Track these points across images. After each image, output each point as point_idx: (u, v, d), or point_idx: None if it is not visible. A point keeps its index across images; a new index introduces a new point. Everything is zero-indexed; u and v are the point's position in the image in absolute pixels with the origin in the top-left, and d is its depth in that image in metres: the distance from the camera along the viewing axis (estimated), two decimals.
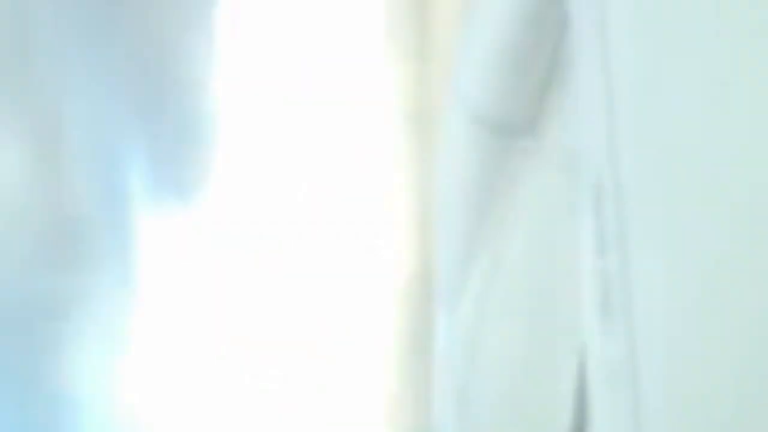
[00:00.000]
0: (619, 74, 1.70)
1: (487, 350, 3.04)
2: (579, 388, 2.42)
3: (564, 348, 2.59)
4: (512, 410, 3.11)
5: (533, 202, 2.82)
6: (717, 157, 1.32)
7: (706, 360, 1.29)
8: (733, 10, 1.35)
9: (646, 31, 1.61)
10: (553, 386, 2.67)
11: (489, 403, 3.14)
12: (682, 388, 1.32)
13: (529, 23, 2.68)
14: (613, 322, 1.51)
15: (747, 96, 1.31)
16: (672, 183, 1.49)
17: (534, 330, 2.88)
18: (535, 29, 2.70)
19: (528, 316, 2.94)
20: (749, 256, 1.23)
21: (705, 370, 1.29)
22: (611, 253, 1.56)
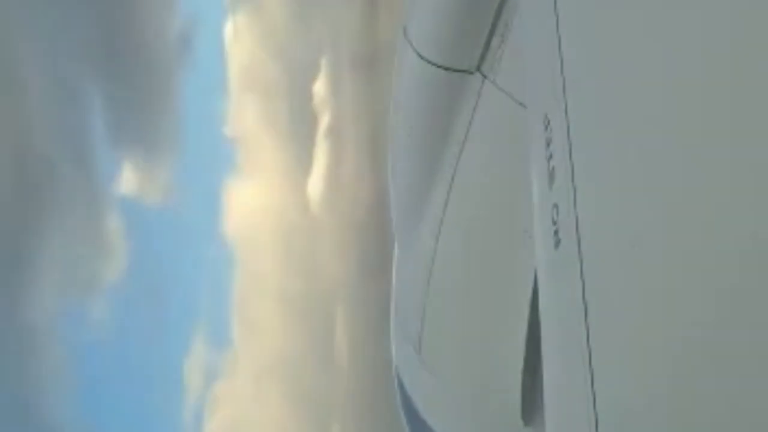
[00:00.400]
0: (566, 18, 1.78)
1: (444, 272, 3.16)
2: (532, 314, 2.54)
3: (516, 273, 2.72)
4: (467, 327, 3.24)
5: (487, 132, 2.94)
6: (656, 98, 1.43)
7: (649, 283, 1.38)
8: None
9: None
10: (507, 306, 2.80)
11: (445, 321, 3.27)
12: (623, 300, 1.42)
13: None
14: (563, 250, 1.60)
15: (679, 38, 1.42)
16: (612, 119, 1.58)
17: (488, 252, 3.02)
18: None
19: (482, 240, 3.06)
20: (676, 181, 1.34)
21: (648, 293, 1.38)
22: (560, 183, 1.65)
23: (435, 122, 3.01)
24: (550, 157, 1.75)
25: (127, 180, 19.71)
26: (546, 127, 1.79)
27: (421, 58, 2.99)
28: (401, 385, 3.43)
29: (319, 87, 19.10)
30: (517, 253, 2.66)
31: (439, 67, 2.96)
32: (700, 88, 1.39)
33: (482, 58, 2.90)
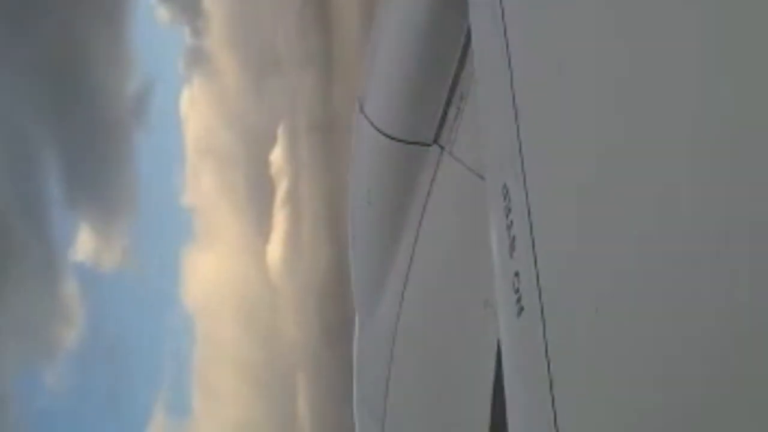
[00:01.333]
0: (522, 88, 1.78)
1: (406, 346, 3.14)
2: (496, 379, 2.53)
3: (478, 345, 2.71)
4: (431, 400, 3.21)
5: (445, 202, 2.95)
6: (615, 163, 1.43)
7: (614, 349, 1.37)
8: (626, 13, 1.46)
9: (544, 40, 1.71)
10: (470, 378, 2.78)
11: (409, 395, 3.24)
12: (588, 368, 1.41)
13: (427, 48, 2.80)
14: (526, 318, 1.59)
15: (637, 101, 1.42)
16: (571, 186, 1.58)
17: (449, 324, 3.01)
18: (433, 53, 2.83)
19: (444, 312, 3.05)
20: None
21: (613, 358, 1.37)
22: (521, 252, 1.65)
23: (394, 194, 3.01)
24: (510, 225, 1.75)
25: (84, 244, 19.50)
26: (505, 197, 1.80)
27: (378, 131, 3.00)
28: None
29: (276, 155, 19.19)
30: (478, 324, 2.66)
31: (396, 140, 2.98)
32: (660, 151, 1.40)
33: (439, 129, 2.91)
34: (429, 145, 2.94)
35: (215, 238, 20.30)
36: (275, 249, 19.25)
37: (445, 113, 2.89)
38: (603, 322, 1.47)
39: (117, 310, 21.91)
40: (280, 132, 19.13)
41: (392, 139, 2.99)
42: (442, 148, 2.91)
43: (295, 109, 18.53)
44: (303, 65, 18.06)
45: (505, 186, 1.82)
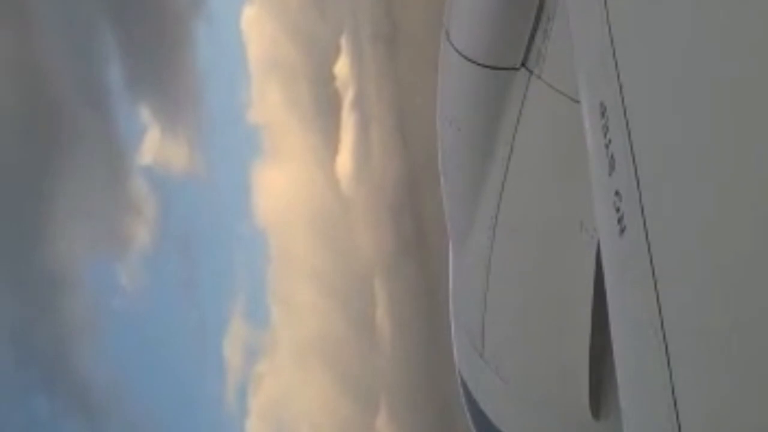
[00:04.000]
0: (615, 9, 1.75)
1: (502, 271, 3.15)
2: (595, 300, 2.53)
3: (575, 266, 2.72)
4: (529, 324, 3.23)
5: (535, 127, 2.93)
6: (707, 74, 1.40)
7: (715, 258, 1.36)
8: None
9: None
10: (568, 300, 2.79)
11: (507, 320, 3.26)
12: (696, 279, 1.40)
13: None
14: (629, 237, 1.59)
15: (735, 19, 1.39)
16: (670, 100, 1.56)
17: (545, 247, 3.01)
18: None
19: (538, 235, 3.05)
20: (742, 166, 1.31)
21: (714, 268, 1.37)
22: (621, 170, 1.63)
23: (483, 121, 2.99)
24: (609, 143, 1.73)
25: (150, 141, 19.45)
26: (602, 114, 1.77)
27: (465, 58, 2.97)
28: (466, 388, 3.43)
29: (341, 66, 19.09)
30: (574, 246, 2.65)
31: (483, 66, 2.94)
32: (759, 63, 1.37)
33: (526, 53, 2.87)
34: (517, 69, 2.90)
35: (284, 154, 20.40)
36: (345, 161, 19.32)
37: (532, 37, 2.84)
38: (709, 239, 1.45)
39: (188, 213, 21.53)
40: (344, 43, 19.04)
41: (479, 65, 2.95)
42: (530, 71, 2.87)
43: (358, 19, 18.38)
44: None
45: (602, 104, 1.79)
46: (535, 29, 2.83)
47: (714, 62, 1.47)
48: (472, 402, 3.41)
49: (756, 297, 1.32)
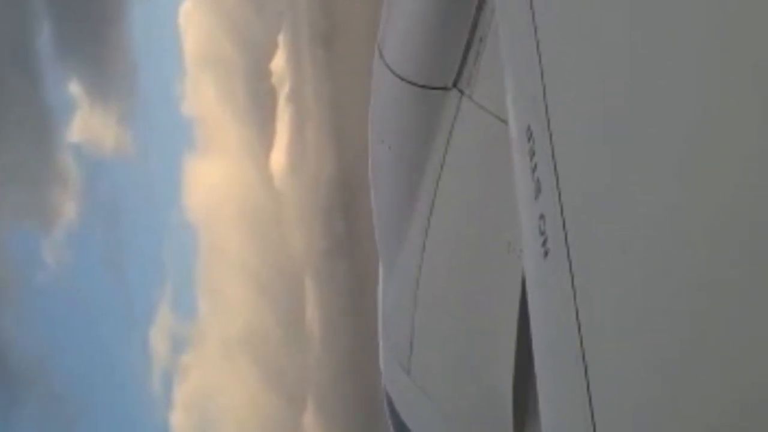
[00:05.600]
0: (544, 27, 1.79)
1: (431, 289, 3.17)
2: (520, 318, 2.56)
3: (502, 286, 2.74)
4: (457, 343, 3.25)
5: (466, 146, 2.95)
6: (633, 101, 1.44)
7: (636, 282, 1.39)
8: None
9: None
10: (494, 320, 2.82)
11: (434, 339, 3.28)
12: (617, 304, 1.43)
13: None
14: (553, 260, 1.61)
15: (660, 40, 1.43)
16: (596, 125, 1.59)
17: (473, 267, 3.03)
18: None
19: (467, 255, 3.07)
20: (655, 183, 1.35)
21: (635, 293, 1.39)
22: (546, 194, 1.66)
23: (414, 140, 3.00)
24: (535, 168, 1.75)
25: (81, 115, 19.19)
26: (529, 138, 1.79)
27: (397, 77, 2.97)
28: (391, 404, 3.43)
29: (277, 63, 19.01)
30: (501, 267, 2.67)
31: (415, 85, 2.95)
32: (679, 88, 1.39)
33: (458, 74, 2.89)
34: (448, 89, 2.91)
35: (217, 148, 20.22)
36: (279, 158, 19.23)
37: (464, 57, 2.86)
38: (630, 262, 1.47)
39: (116, 194, 21.19)
40: (281, 40, 18.95)
41: (411, 84, 2.96)
42: (461, 92, 2.89)
43: (296, 17, 18.30)
44: None
45: (529, 128, 1.80)
46: (467, 50, 2.85)
47: (641, 89, 1.49)
48: (396, 418, 3.41)
49: (676, 321, 1.35)
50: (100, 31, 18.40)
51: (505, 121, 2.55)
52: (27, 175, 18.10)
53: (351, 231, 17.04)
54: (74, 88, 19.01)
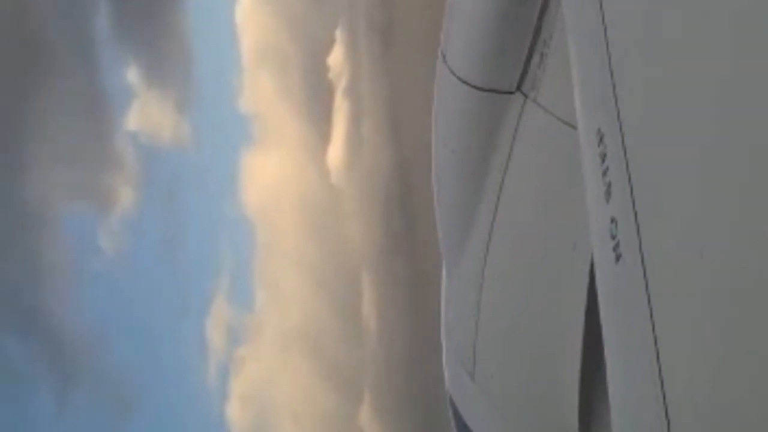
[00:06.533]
0: (615, 28, 1.74)
1: (494, 293, 3.14)
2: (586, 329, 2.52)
3: (567, 289, 2.72)
4: (521, 347, 3.22)
5: (530, 150, 2.92)
6: (706, 104, 1.40)
7: (713, 286, 1.36)
8: None
9: None
10: (559, 323, 2.80)
11: (498, 343, 3.25)
12: (693, 308, 1.40)
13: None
14: (625, 265, 1.58)
15: (734, 42, 1.39)
16: (670, 128, 1.55)
17: (537, 270, 3.00)
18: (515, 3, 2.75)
19: (531, 258, 3.04)
20: (745, 187, 1.31)
21: (711, 297, 1.36)
22: (618, 198, 1.63)
23: (477, 144, 2.98)
24: (606, 171, 1.72)
25: (138, 103, 19.23)
26: (600, 142, 1.76)
27: (461, 81, 2.95)
28: (455, 408, 3.43)
29: (335, 58, 19.08)
30: (567, 268, 2.64)
31: (479, 89, 2.93)
32: (760, 89, 1.36)
33: (522, 77, 2.86)
34: (512, 93, 2.89)
35: (275, 143, 20.34)
36: (336, 152, 19.31)
37: (528, 60, 2.83)
38: (709, 268, 1.44)
39: (173, 185, 21.22)
40: (338, 34, 19.01)
41: (474, 88, 2.94)
42: (525, 95, 2.87)
43: (353, 11, 18.35)
44: None
45: (599, 130, 1.78)
46: (531, 53, 2.82)
47: (714, 92, 1.46)
48: (460, 421, 3.40)
49: (753, 326, 1.32)
50: (158, 16, 18.55)
51: (569, 124, 2.52)
52: (84, 158, 18.21)
53: (408, 226, 17.08)
54: (131, 73, 19.13)
